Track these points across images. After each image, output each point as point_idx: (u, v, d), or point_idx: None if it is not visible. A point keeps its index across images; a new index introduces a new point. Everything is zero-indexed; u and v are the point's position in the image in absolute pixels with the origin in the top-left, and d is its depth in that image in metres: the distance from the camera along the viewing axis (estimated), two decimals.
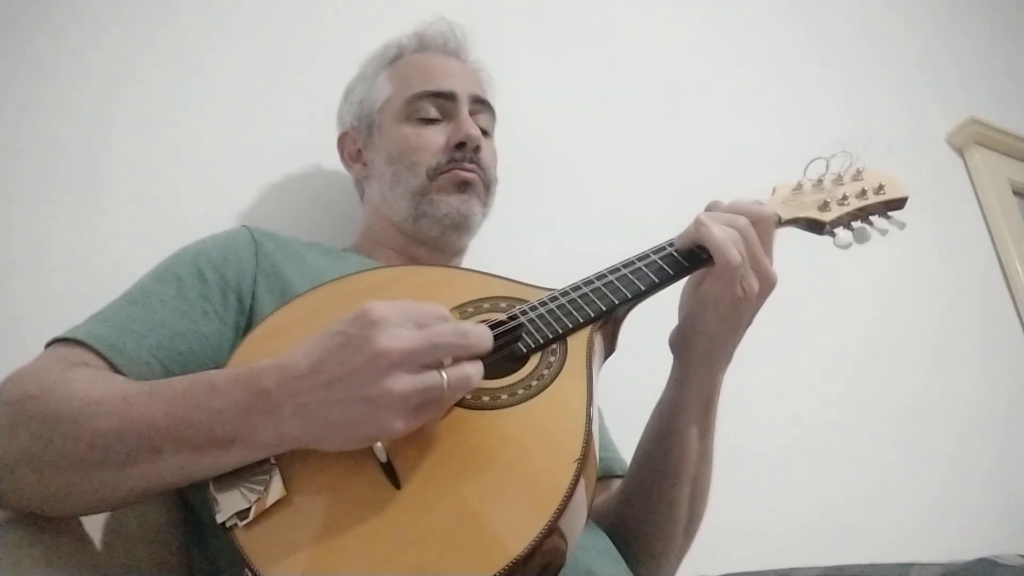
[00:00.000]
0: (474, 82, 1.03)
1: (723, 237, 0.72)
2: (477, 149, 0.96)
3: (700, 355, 0.77)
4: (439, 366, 0.55)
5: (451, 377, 0.55)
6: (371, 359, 0.53)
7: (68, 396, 0.59)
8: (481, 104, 1.01)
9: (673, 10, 1.71)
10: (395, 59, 1.03)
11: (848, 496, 1.40)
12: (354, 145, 1.03)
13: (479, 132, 0.96)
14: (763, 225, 0.76)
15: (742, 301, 0.73)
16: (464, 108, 0.97)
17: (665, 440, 0.79)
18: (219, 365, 0.69)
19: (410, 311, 0.56)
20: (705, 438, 0.80)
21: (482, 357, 0.58)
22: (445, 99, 0.97)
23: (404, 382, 0.53)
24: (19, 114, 0.97)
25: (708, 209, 0.78)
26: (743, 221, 0.74)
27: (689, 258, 0.74)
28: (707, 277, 0.74)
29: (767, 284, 0.75)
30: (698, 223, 0.74)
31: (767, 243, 0.76)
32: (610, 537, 0.80)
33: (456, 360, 0.56)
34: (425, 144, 0.95)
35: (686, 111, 1.61)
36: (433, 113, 0.97)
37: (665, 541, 0.81)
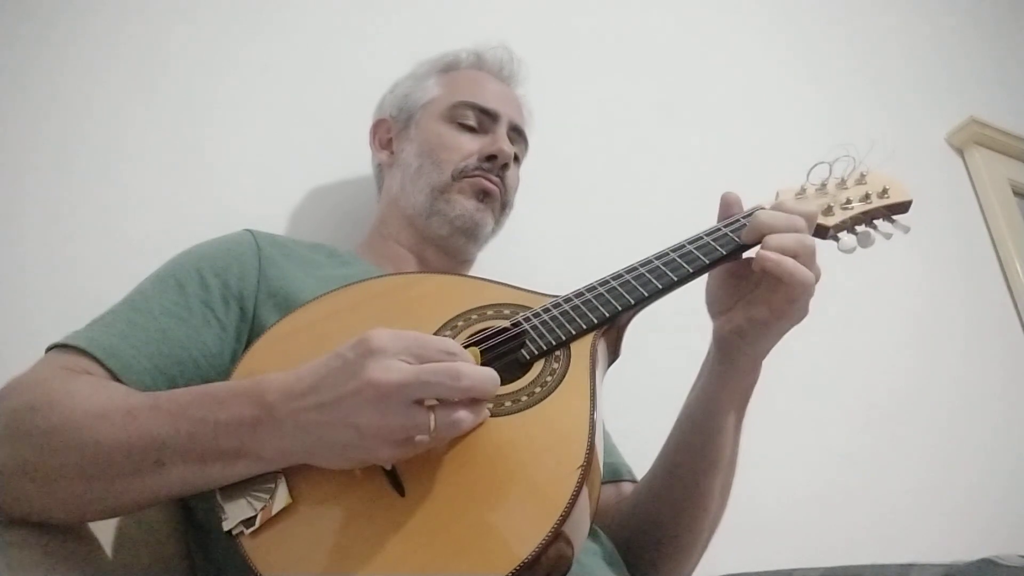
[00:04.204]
0: (517, 111, 1.06)
1: (795, 264, 0.69)
2: (505, 166, 0.99)
3: (755, 352, 0.76)
4: (434, 404, 0.54)
5: (440, 420, 0.54)
6: (360, 388, 0.53)
7: (71, 408, 0.58)
8: (517, 133, 1.04)
9: (677, 17, 1.71)
10: (449, 68, 1.06)
11: (848, 496, 1.40)
12: (387, 133, 1.06)
13: (512, 151, 0.99)
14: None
15: (807, 312, 0.73)
16: (503, 128, 1.01)
17: (704, 431, 0.79)
18: (220, 373, 0.70)
19: (412, 343, 0.55)
20: (739, 427, 0.80)
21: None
22: (487, 115, 1.01)
23: (389, 416, 0.53)
24: (27, 114, 0.98)
25: (724, 203, 0.78)
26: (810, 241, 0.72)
27: (695, 264, 0.73)
28: (772, 292, 0.71)
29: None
30: (783, 258, 0.70)
31: None
32: (626, 540, 0.80)
33: (453, 401, 0.55)
34: (458, 145, 0.98)
35: (689, 117, 1.61)
36: (473, 122, 1.00)
37: (694, 535, 0.81)
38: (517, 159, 1.04)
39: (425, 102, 1.03)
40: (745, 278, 0.75)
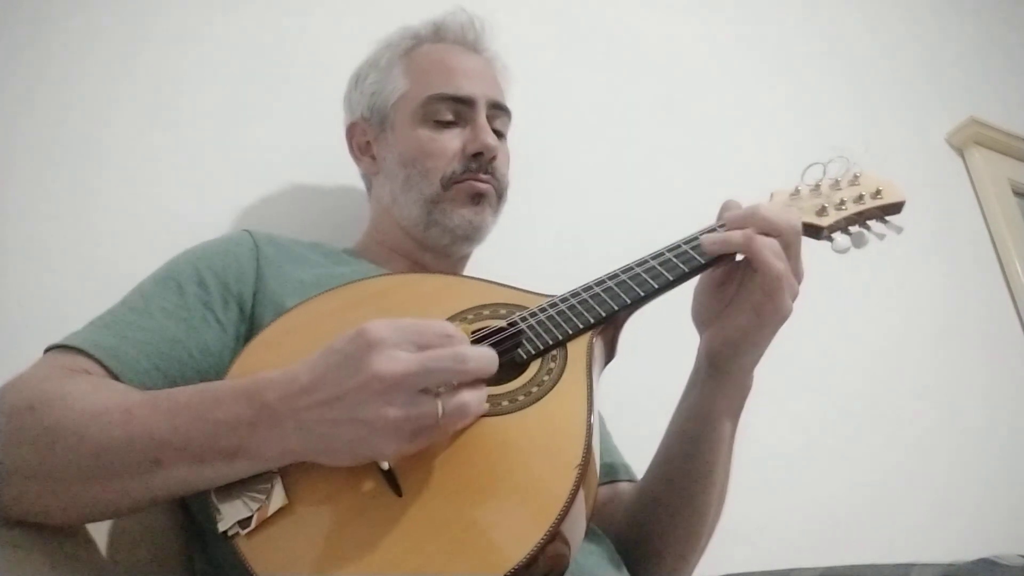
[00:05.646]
0: (492, 83, 1.00)
1: (768, 251, 0.70)
2: (493, 159, 0.94)
3: (746, 362, 0.76)
4: (438, 391, 0.54)
5: (447, 405, 0.54)
6: (365, 382, 0.52)
7: (70, 407, 0.58)
8: (498, 109, 0.98)
9: (674, 12, 1.71)
10: (411, 49, 0.99)
11: (848, 496, 1.40)
12: (363, 137, 1.01)
13: (496, 141, 0.94)
14: (795, 234, 0.75)
15: (790, 309, 0.72)
16: (482, 114, 0.95)
17: (699, 442, 0.78)
18: (220, 373, 0.70)
19: (410, 330, 0.55)
20: (733, 438, 0.80)
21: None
22: (463, 104, 0.94)
23: (397, 407, 0.52)
24: (17, 113, 0.97)
25: (724, 209, 0.78)
26: (793, 228, 0.73)
27: (691, 263, 0.74)
28: (751, 290, 0.72)
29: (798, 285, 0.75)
30: (747, 238, 0.71)
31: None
32: (625, 542, 0.80)
33: (457, 384, 0.55)
34: (441, 150, 0.93)
35: (686, 114, 1.61)
36: (449, 116, 0.94)
37: (692, 543, 0.81)
38: (501, 135, 0.98)
39: (395, 100, 0.96)
40: (728, 283, 0.75)
